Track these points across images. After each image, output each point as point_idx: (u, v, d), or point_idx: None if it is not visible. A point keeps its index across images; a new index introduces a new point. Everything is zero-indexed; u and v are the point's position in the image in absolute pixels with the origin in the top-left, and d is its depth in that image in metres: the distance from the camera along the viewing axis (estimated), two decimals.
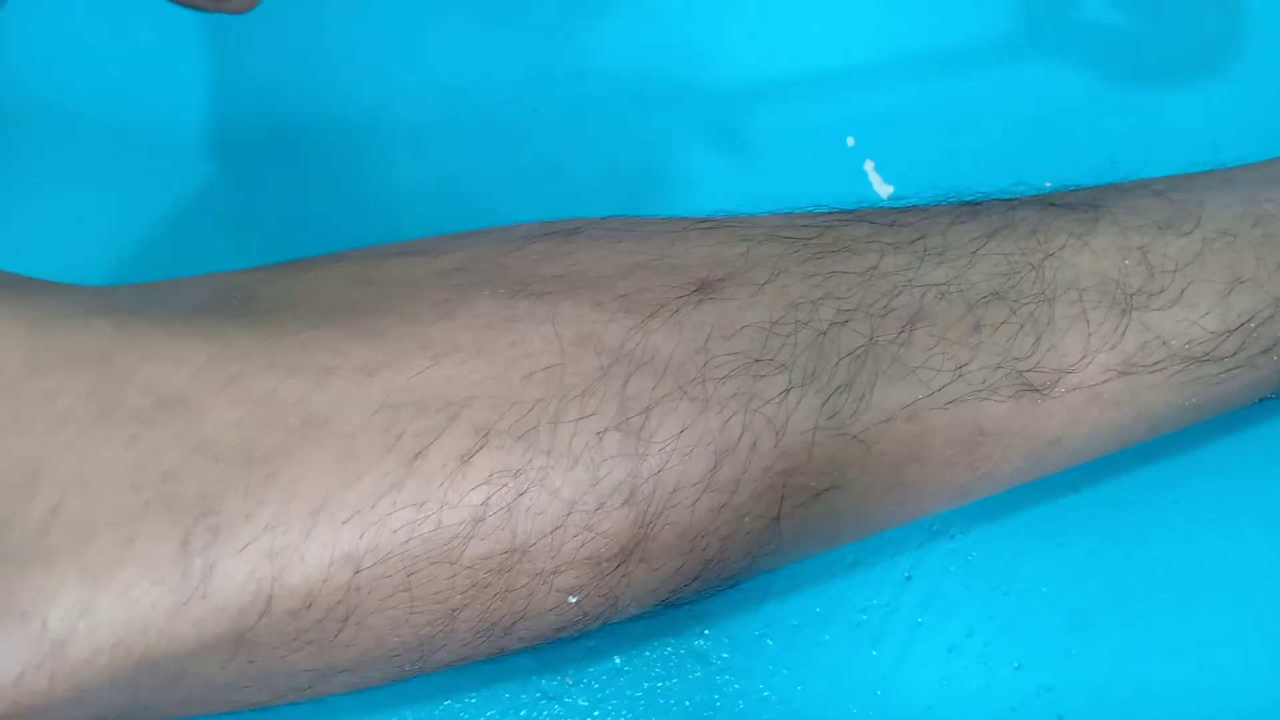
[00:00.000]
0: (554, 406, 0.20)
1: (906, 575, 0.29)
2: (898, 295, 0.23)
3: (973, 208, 0.25)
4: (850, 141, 0.35)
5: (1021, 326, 0.23)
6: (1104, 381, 0.23)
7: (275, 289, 0.21)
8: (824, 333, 0.22)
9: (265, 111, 0.34)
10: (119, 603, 0.17)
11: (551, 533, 0.20)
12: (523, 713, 0.27)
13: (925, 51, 0.36)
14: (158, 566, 0.18)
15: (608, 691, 0.27)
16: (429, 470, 0.19)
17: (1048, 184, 0.30)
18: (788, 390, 0.21)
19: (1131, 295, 0.24)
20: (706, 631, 0.28)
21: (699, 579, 0.22)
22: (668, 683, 0.28)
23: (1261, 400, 0.27)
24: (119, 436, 0.18)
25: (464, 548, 0.19)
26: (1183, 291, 0.24)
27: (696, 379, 0.21)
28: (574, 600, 0.21)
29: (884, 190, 0.34)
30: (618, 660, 0.28)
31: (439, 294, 0.21)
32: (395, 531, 0.19)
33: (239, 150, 0.34)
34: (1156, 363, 0.24)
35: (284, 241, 0.30)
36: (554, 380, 0.20)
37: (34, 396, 0.18)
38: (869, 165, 0.35)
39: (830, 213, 0.25)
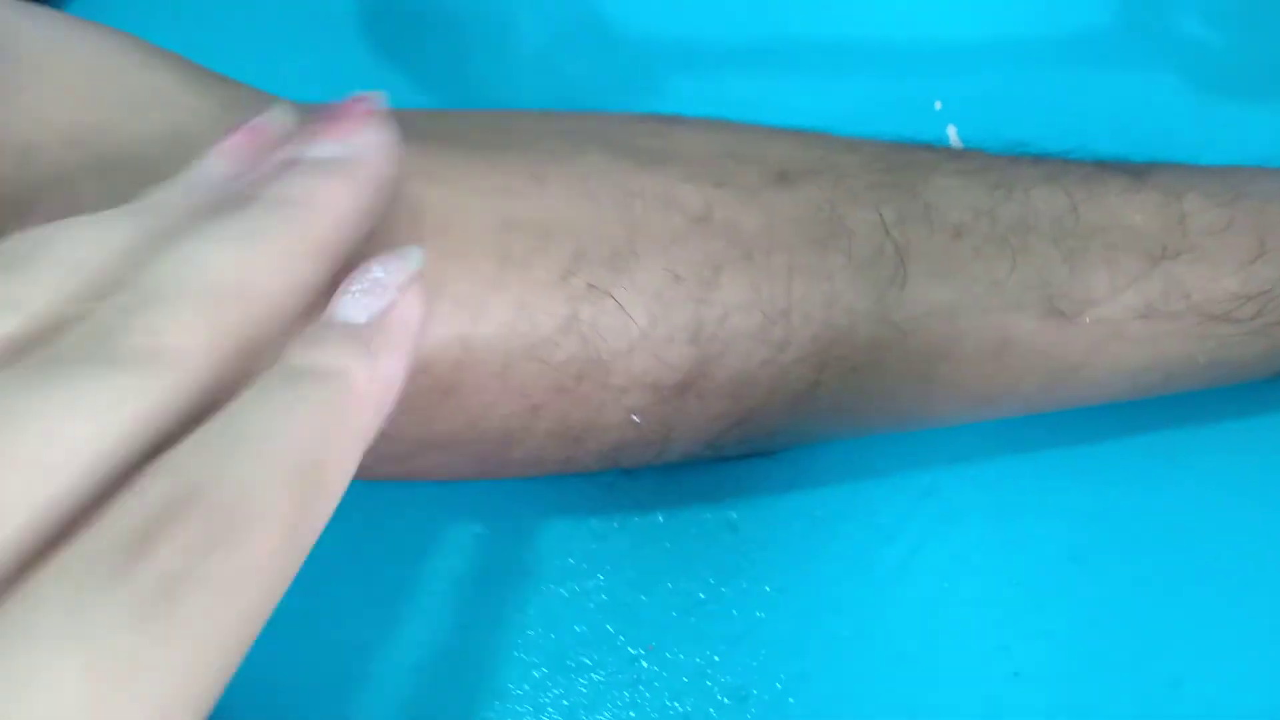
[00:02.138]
0: (642, 247, 0.24)
1: (927, 491, 0.32)
2: (952, 211, 0.26)
3: (1036, 157, 0.29)
4: (938, 105, 0.38)
5: (1058, 257, 0.26)
6: (1126, 319, 0.26)
7: (427, 122, 0.26)
8: (883, 230, 0.25)
9: None
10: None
11: (626, 353, 0.24)
12: (573, 544, 0.31)
13: (1021, 27, 0.39)
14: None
15: (648, 538, 0.31)
16: (531, 279, 0.23)
17: None
18: (840, 270, 0.25)
19: (1163, 248, 0.26)
20: (740, 504, 0.32)
21: (743, 425, 0.26)
22: (700, 542, 0.31)
23: (1276, 376, 0.30)
24: None
25: (553, 351, 0.23)
26: (1211, 253, 0.27)
27: (764, 249, 0.24)
28: (636, 419, 0.25)
29: None
30: (660, 517, 0.32)
31: (557, 144, 0.25)
32: (500, 324, 0.23)
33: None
34: (1176, 312, 0.27)
35: None
36: (644, 227, 0.24)
37: None
38: (951, 130, 0.38)
39: (905, 142, 0.29)
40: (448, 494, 0.31)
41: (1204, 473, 0.32)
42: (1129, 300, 0.26)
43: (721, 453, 0.27)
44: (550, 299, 0.23)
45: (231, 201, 0.17)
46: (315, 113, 0.20)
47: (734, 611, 0.30)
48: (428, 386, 0.23)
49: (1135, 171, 0.28)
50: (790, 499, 0.32)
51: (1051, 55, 0.40)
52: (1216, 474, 0.32)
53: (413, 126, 0.25)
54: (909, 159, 0.27)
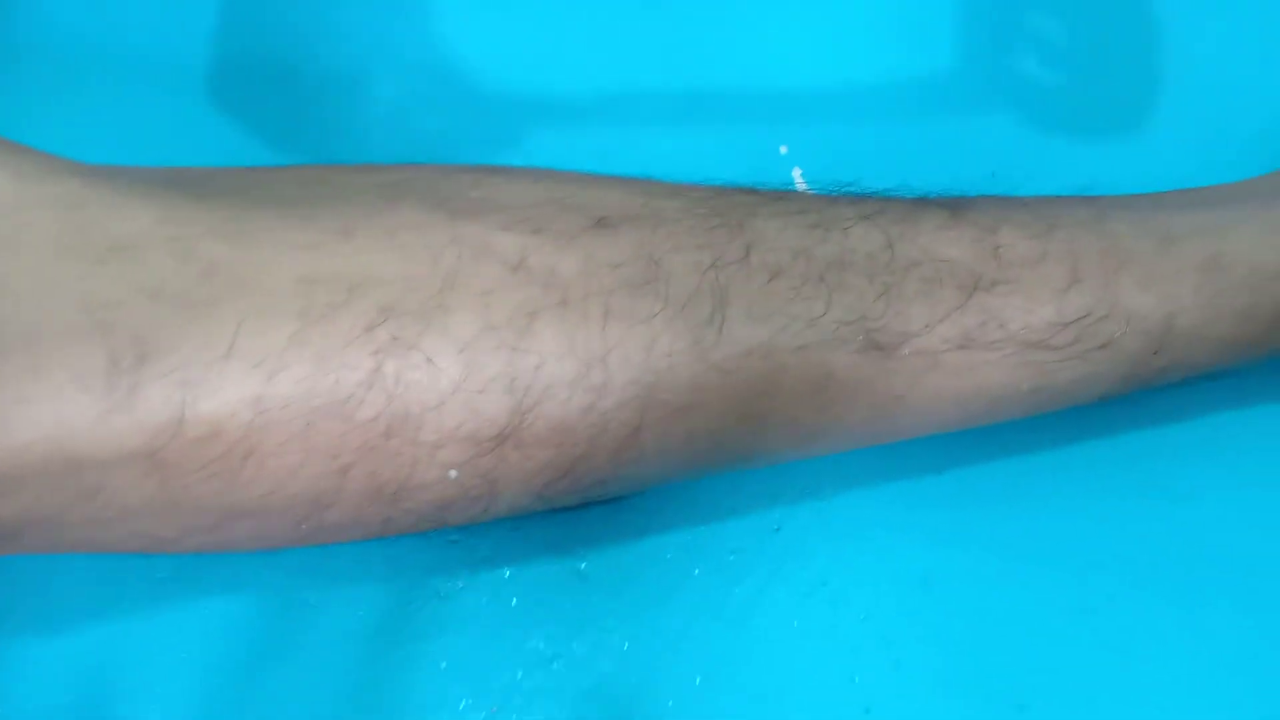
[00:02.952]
0: (454, 298, 0.23)
1: (776, 527, 0.32)
2: (770, 252, 0.26)
3: (856, 197, 0.29)
4: (784, 150, 0.39)
5: (873, 291, 0.26)
6: (944, 350, 0.27)
7: (231, 180, 0.25)
8: (701, 273, 0.25)
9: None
10: (52, 399, 0.21)
11: (437, 407, 0.23)
12: (411, 607, 0.30)
13: (863, 71, 0.40)
14: (88, 375, 0.21)
15: (494, 597, 0.30)
16: (334, 333, 0.22)
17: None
18: (658, 314, 0.24)
19: (977, 280, 0.27)
20: (590, 554, 0.31)
21: (569, 476, 0.25)
22: (548, 596, 0.31)
23: (1103, 399, 0.31)
24: (75, 269, 0.21)
25: (357, 408, 0.23)
26: (1025, 284, 0.27)
27: (580, 294, 0.24)
28: (454, 475, 0.24)
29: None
30: (506, 572, 0.31)
31: (372, 197, 0.24)
32: (298, 381, 0.22)
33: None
34: (994, 341, 0.27)
35: None
36: (456, 278, 0.24)
37: (8, 230, 0.21)
38: (796, 172, 0.38)
39: (732, 186, 0.29)
40: (274, 562, 0.30)
41: (1048, 496, 0.33)
42: (945, 332, 0.27)
43: (554, 504, 0.26)
44: (353, 354, 0.22)
45: None
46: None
47: (584, 666, 0.30)
48: (223, 451, 0.22)
49: (952, 206, 0.29)
50: (639, 545, 0.31)
51: (893, 97, 0.41)
52: (1062, 497, 0.33)
53: (215, 184, 0.25)
54: (731, 202, 0.27)
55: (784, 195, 0.28)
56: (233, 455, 0.22)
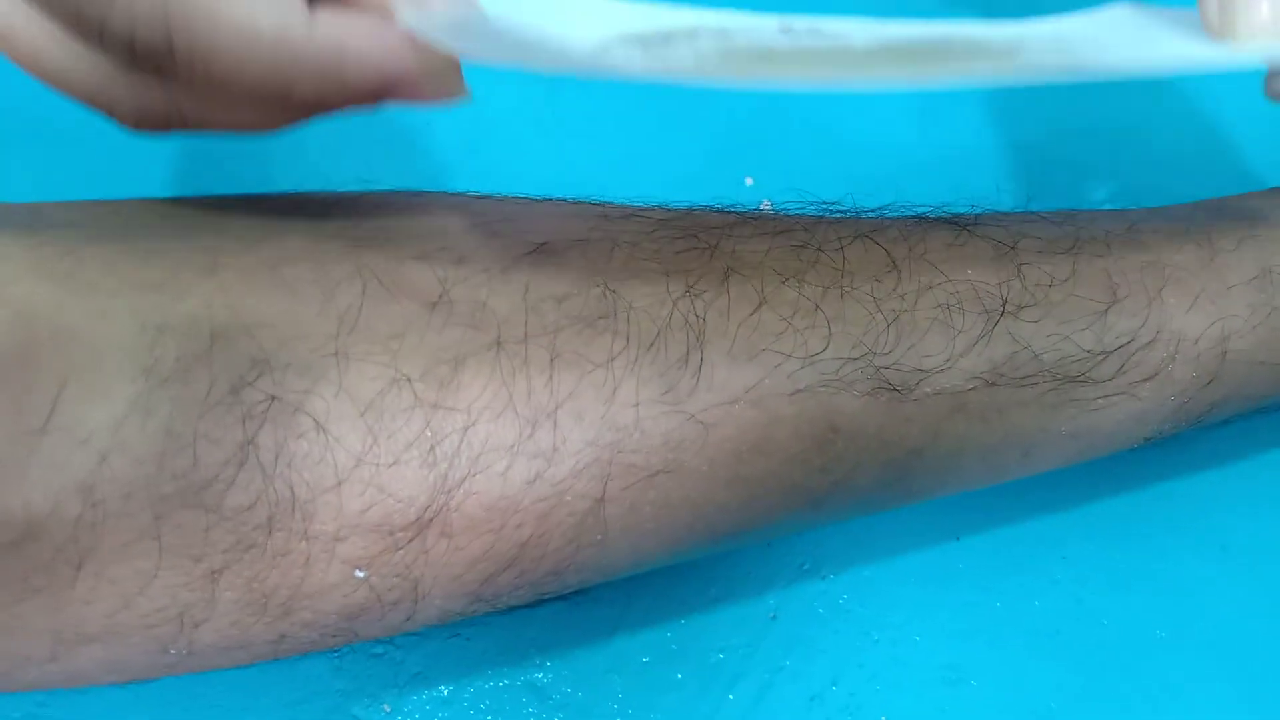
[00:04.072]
0: (353, 344, 0.18)
1: (771, 615, 0.26)
2: (750, 279, 0.21)
3: (845, 217, 0.24)
4: (749, 181, 0.34)
5: (881, 320, 0.21)
6: (969, 389, 0.22)
7: (68, 213, 0.19)
8: (668, 304, 0.20)
9: None
10: None
11: (333, 488, 0.18)
12: None
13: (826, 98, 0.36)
14: None
15: None
16: (188, 397, 0.17)
17: None
18: (618, 356, 0.19)
19: (1002, 303, 0.22)
20: (548, 663, 0.25)
21: (514, 568, 0.20)
22: (499, 717, 0.25)
23: (1147, 442, 0.26)
24: None
25: (224, 494, 0.17)
26: (1057, 305, 0.23)
27: (518, 337, 0.19)
28: (362, 575, 0.18)
29: None
30: (445, 690, 0.25)
31: (245, 227, 0.19)
32: (140, 462, 0.16)
33: None
34: (1027, 377, 0.22)
35: None
36: (352, 319, 0.18)
37: None
38: (765, 204, 0.34)
39: (698, 208, 0.24)
40: (150, 697, 0.24)
41: (1091, 563, 0.28)
42: (969, 366, 0.22)
43: (496, 605, 0.21)
44: (215, 422, 0.17)
45: None
46: None
47: None
48: (47, 558, 0.16)
49: (960, 222, 0.24)
50: (607, 648, 0.26)
51: (869, 123, 0.37)
52: (1108, 563, 0.28)
53: (46, 217, 0.19)
54: (700, 222, 0.23)
55: (762, 215, 0.24)
56: (60, 563, 0.17)
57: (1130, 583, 0.28)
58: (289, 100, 0.17)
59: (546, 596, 0.22)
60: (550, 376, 0.19)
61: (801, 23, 0.22)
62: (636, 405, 0.19)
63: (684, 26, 0.20)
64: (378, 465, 0.18)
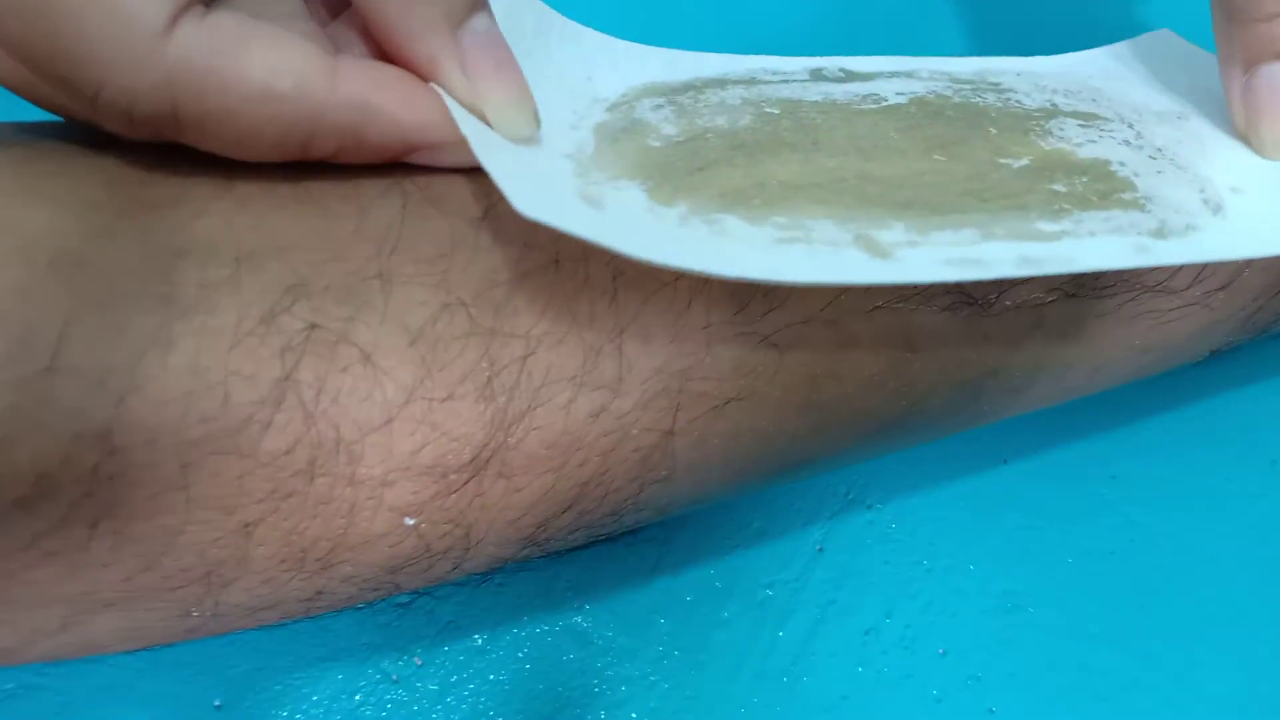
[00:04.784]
0: (396, 265, 0.16)
1: (819, 547, 0.25)
2: None
3: None
4: None
5: None
6: (1050, 301, 0.20)
7: (54, 131, 0.17)
8: None
9: None
10: None
11: (381, 427, 0.16)
12: (358, 697, 0.22)
13: None
14: None
15: (465, 675, 0.23)
16: (215, 328, 0.15)
17: None
18: (684, 273, 0.17)
19: None
20: (587, 606, 0.24)
21: (574, 509, 0.18)
22: (538, 665, 0.23)
23: (1212, 355, 0.25)
24: None
25: (260, 437, 0.15)
26: None
27: (579, 255, 0.17)
28: (412, 523, 0.16)
29: None
30: (479, 639, 0.23)
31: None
32: (164, 404, 0.14)
33: None
34: (1107, 286, 0.21)
35: None
36: (394, 236, 0.16)
37: None
38: None
39: None
40: (165, 659, 0.22)
41: (1145, 483, 0.27)
42: (1049, 277, 0.20)
43: (547, 550, 0.19)
44: (248, 356, 0.15)
45: None
46: None
47: None
48: (59, 517, 0.14)
49: None
50: (649, 588, 0.24)
51: None
52: (1165, 484, 0.27)
53: (26, 135, 0.17)
54: None
55: None
56: (74, 522, 0.14)
57: (1179, 500, 0.27)
58: (304, 153, 0.15)
59: (599, 538, 0.20)
60: (614, 297, 0.17)
61: (831, 63, 0.21)
62: (707, 328, 0.17)
63: (713, 75, 0.19)
64: (431, 400, 0.16)
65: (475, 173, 0.17)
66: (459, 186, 0.17)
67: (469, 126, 0.16)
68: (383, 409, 0.16)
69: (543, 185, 0.16)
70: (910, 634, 0.24)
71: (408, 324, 0.16)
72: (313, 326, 0.15)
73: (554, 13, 0.20)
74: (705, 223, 0.16)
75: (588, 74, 0.19)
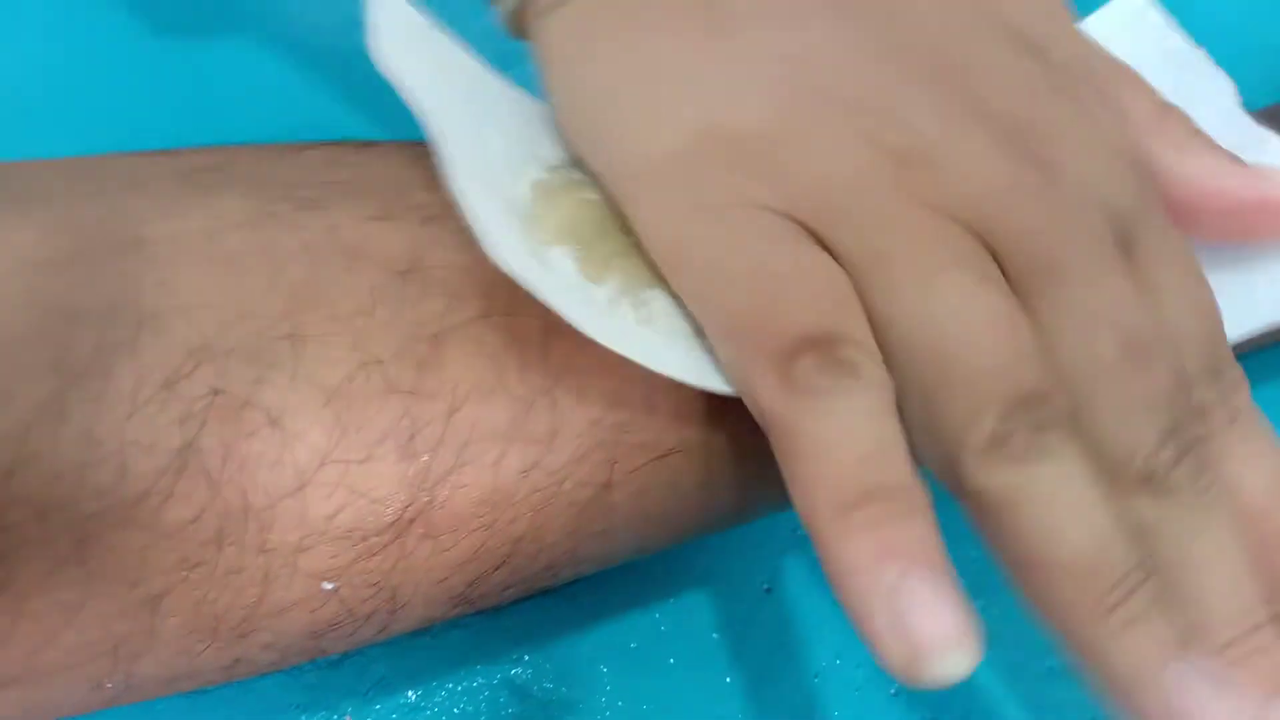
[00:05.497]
0: (310, 323, 0.15)
1: (766, 588, 0.24)
2: None
3: None
4: None
5: None
6: None
7: None
8: None
9: None
10: None
11: (294, 492, 0.15)
12: None
13: None
14: None
15: None
16: (111, 395, 0.14)
17: None
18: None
19: None
20: (525, 656, 0.23)
21: (506, 566, 0.17)
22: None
23: None
24: None
25: (161, 508, 0.14)
26: None
27: (507, 308, 0.16)
28: (331, 587, 0.16)
29: None
30: (412, 695, 0.22)
31: (170, 190, 0.16)
32: (56, 477, 0.13)
33: None
34: None
35: None
36: (309, 293, 0.15)
37: None
38: None
39: None
40: None
41: None
42: None
43: (482, 607, 0.18)
44: (146, 425, 0.14)
45: None
46: None
47: None
48: None
49: None
50: (589, 637, 0.23)
51: None
52: None
53: None
54: None
55: None
56: None
57: None
58: None
59: (536, 593, 0.19)
60: (546, 349, 0.16)
61: None
62: (646, 377, 0.17)
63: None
64: (347, 463, 0.15)
65: (401, 223, 0.16)
66: (381, 236, 0.16)
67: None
68: (294, 473, 0.15)
69: (511, 242, 0.16)
70: (861, 676, 0.24)
71: (322, 383, 0.15)
72: (215, 392, 0.14)
73: (494, 78, 0.19)
74: (633, 305, 0.16)
75: (531, 135, 0.18)
